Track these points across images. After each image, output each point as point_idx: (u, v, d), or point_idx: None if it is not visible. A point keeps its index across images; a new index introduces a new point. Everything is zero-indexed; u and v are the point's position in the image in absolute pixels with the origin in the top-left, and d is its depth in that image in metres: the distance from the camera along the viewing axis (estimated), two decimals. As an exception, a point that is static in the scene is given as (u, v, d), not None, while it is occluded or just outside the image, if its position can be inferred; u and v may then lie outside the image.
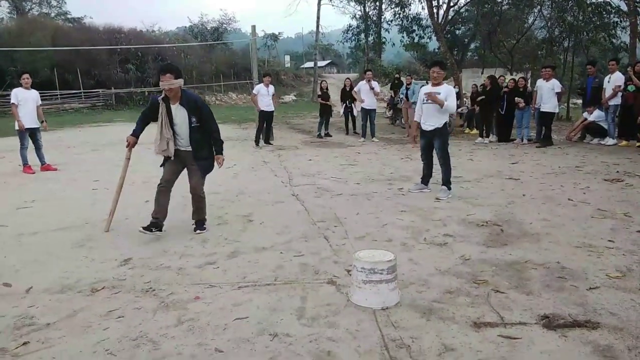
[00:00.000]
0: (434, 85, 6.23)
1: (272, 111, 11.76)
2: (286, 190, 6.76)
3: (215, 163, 4.70)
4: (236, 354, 2.56)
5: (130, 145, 4.71)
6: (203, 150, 4.61)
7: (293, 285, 3.46)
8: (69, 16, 39.80)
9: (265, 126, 11.83)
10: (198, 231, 4.76)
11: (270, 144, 11.93)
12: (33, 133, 8.37)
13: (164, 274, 3.73)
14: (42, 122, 8.55)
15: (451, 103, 6.11)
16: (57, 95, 26.05)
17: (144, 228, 4.46)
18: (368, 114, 12.38)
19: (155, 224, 4.52)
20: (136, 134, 4.66)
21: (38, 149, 8.47)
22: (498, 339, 2.67)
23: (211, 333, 2.79)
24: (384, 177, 7.56)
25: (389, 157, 9.73)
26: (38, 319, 3.02)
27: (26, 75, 8.38)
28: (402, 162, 9.08)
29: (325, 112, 13.87)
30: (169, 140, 4.50)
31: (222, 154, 4.71)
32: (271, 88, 11.64)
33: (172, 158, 4.62)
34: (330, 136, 13.62)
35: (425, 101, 6.26)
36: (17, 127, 8.20)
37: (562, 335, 2.69)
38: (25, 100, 8.19)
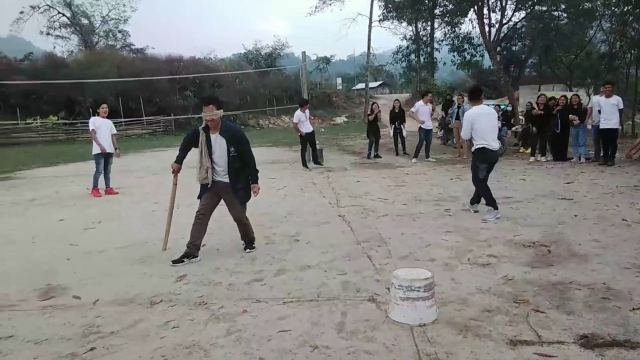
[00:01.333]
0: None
1: (313, 131, 12.28)
2: (333, 211, 6.94)
3: (252, 192, 4.83)
4: (278, 363, 2.75)
5: (176, 172, 4.98)
6: (240, 180, 4.74)
7: (335, 302, 3.62)
8: (132, 47, 42.43)
9: (310, 147, 12.25)
10: (247, 250, 5.02)
11: (320, 164, 12.22)
12: (107, 158, 9.08)
13: (215, 289, 3.99)
14: (115, 149, 9.25)
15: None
16: (121, 122, 27.69)
17: (175, 262, 4.62)
18: (427, 134, 12.50)
19: (188, 254, 4.69)
20: (179, 161, 4.92)
21: (107, 172, 9.15)
22: (533, 357, 2.71)
23: (256, 343, 2.99)
24: (432, 198, 7.60)
25: (438, 178, 9.73)
26: (103, 328, 3.34)
27: (104, 105, 9.22)
28: (452, 183, 9.06)
29: (373, 132, 13.92)
30: (208, 168, 4.66)
31: (257, 182, 4.82)
32: (307, 112, 12.21)
33: (209, 188, 4.75)
34: (380, 157, 13.69)
35: None
36: (94, 152, 8.92)
37: (599, 354, 2.70)
38: (101, 127, 8.93)
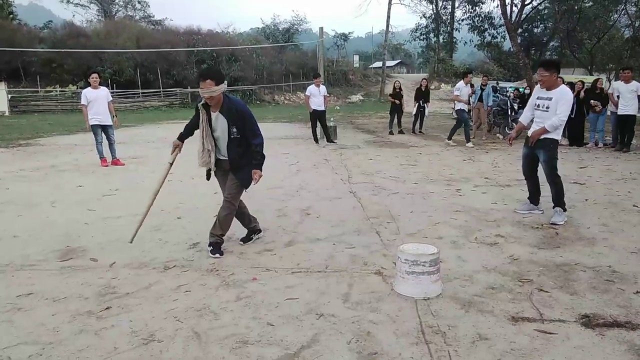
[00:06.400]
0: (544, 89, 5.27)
1: (324, 110, 12.11)
2: (344, 187, 7.01)
3: (252, 178, 4.07)
4: (285, 328, 2.86)
5: (177, 148, 4.32)
6: (242, 162, 4.11)
7: (342, 274, 3.72)
8: (151, 18, 42.43)
9: (320, 125, 12.24)
10: (210, 255, 4.13)
11: (333, 142, 12.23)
12: (105, 129, 8.89)
13: (226, 257, 4.11)
14: (113, 117, 8.99)
15: (561, 115, 5.05)
16: (139, 93, 27.89)
17: (244, 240, 4.49)
18: (459, 113, 11.79)
19: (253, 230, 4.59)
20: (182, 137, 4.35)
21: (111, 144, 9.05)
22: (533, 333, 2.78)
23: (265, 309, 3.11)
24: (443, 178, 7.62)
25: (452, 158, 9.72)
26: (119, 289, 3.48)
27: (94, 75, 8.82)
28: (464, 164, 9.05)
29: (395, 110, 14.24)
30: (211, 152, 4.12)
31: (260, 169, 4.06)
32: (322, 88, 12.03)
33: (217, 171, 4.27)
34: (403, 133, 13.94)
35: (537, 106, 5.33)
36: (90, 123, 8.71)
37: (599, 334, 2.75)
38: (96, 99, 8.66)
